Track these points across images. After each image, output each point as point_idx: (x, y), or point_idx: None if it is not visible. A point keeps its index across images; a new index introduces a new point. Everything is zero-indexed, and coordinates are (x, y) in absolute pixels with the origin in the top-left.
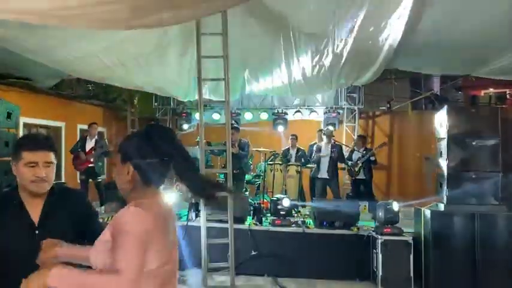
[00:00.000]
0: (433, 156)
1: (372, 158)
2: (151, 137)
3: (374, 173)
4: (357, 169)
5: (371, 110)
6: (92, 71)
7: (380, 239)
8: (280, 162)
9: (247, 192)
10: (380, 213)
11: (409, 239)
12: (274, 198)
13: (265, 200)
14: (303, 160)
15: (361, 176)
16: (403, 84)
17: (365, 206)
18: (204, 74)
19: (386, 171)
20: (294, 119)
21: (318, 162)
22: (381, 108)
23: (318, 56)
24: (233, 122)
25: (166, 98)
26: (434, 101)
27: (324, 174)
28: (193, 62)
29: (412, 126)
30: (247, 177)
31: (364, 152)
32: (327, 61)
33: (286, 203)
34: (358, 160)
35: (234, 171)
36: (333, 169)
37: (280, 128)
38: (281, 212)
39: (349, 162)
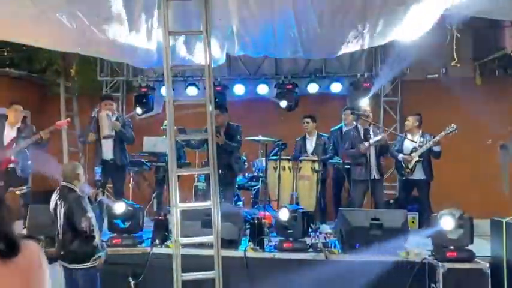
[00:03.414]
0: None
1: (436, 149)
2: None
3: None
4: (411, 165)
5: (419, 77)
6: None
7: (441, 268)
8: (288, 157)
9: (240, 203)
10: (439, 229)
11: (485, 266)
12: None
13: (267, 213)
14: (326, 153)
15: (417, 175)
16: (465, 41)
17: (413, 218)
18: (172, 25)
19: (441, 166)
20: (308, 93)
21: (358, 157)
22: (429, 76)
23: None
24: (217, 99)
25: (116, 66)
26: (508, 64)
27: (373, 171)
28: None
29: (480, 100)
30: (240, 179)
31: (422, 140)
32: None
33: (284, 215)
34: (413, 151)
35: (221, 172)
36: (378, 165)
37: (287, 106)
38: (290, 231)
39: (400, 155)
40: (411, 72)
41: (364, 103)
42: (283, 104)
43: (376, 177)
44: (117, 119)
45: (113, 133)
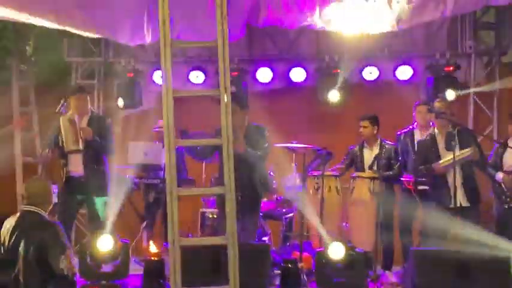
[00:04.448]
0: None
1: None
2: None
3: None
4: None
5: None
6: None
7: None
8: (335, 174)
9: (266, 238)
10: None
11: None
12: (325, 251)
13: (305, 254)
14: (394, 168)
15: None
16: None
17: None
18: None
19: None
20: (363, 80)
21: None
22: None
23: None
24: (234, 88)
25: (92, 43)
26: None
27: (459, 196)
28: None
29: None
30: (267, 204)
31: None
32: None
33: (336, 253)
34: None
35: (240, 194)
36: (470, 188)
37: (336, 98)
38: (340, 279)
39: (498, 174)
40: None
41: (451, 96)
42: (333, 96)
43: (464, 205)
44: (89, 122)
45: (81, 147)
